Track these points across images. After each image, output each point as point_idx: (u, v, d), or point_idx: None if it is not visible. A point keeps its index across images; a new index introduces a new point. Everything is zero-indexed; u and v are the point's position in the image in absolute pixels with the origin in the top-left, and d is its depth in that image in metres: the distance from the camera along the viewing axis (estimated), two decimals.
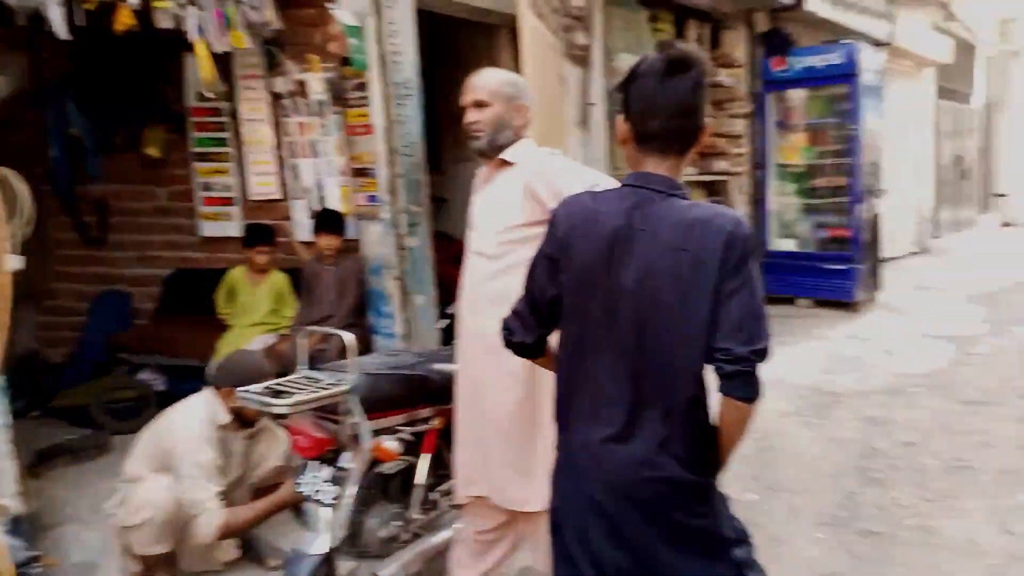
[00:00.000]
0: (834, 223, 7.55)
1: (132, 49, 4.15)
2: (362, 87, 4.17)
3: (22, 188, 2.80)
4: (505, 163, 2.48)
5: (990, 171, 14.74)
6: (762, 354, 1.50)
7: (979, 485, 3.67)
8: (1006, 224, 14.70)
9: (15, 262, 2.62)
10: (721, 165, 7.59)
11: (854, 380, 5.31)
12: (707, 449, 1.60)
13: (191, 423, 2.78)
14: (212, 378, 2.96)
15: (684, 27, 7.18)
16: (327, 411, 2.45)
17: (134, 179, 5.06)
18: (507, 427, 2.34)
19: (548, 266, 1.70)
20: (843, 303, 7.25)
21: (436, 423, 2.69)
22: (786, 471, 3.85)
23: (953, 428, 4.39)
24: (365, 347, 4.11)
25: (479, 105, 2.47)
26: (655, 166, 1.60)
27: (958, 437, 4.26)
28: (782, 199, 7.99)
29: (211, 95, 4.35)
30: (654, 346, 1.55)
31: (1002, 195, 14.90)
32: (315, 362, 2.81)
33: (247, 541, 3.01)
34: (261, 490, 2.95)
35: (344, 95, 4.29)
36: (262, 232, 4.37)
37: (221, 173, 4.69)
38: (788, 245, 7.82)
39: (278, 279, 4.40)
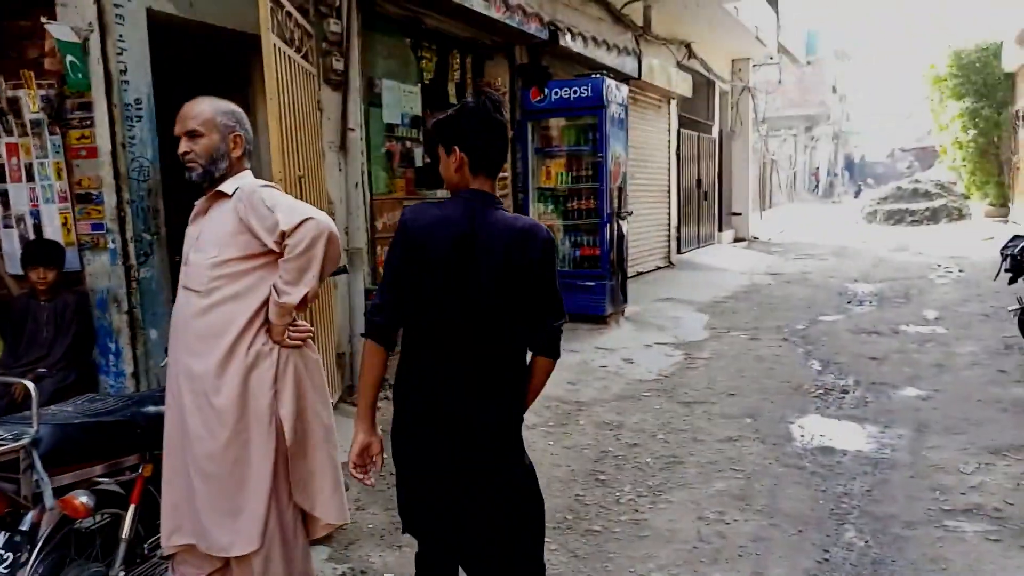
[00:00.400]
0: (586, 243, 8.14)
1: None
2: (87, 106, 3.92)
3: None
4: (221, 195, 2.45)
5: (726, 193, 16.61)
6: (563, 324, 2.16)
7: (685, 477, 4.14)
8: (739, 240, 16.66)
9: None
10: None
11: (596, 389, 5.76)
12: (523, 395, 2.20)
13: None
14: None
15: (449, 56, 7.42)
16: (3, 469, 2.21)
17: None
18: (213, 469, 2.29)
19: (402, 263, 2.09)
20: (595, 317, 7.80)
21: (144, 471, 2.54)
22: None
23: (672, 427, 4.92)
24: (90, 388, 3.81)
25: (192, 135, 2.44)
26: (481, 184, 2.14)
27: (674, 435, 4.78)
28: (542, 221, 8.46)
29: None
30: (495, 323, 2.08)
31: (736, 214, 16.88)
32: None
33: None
34: None
35: (65, 115, 4.01)
36: None
37: None
38: None
39: None
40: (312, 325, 4.51)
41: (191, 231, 2.52)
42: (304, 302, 2.37)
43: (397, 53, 6.73)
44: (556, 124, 8.48)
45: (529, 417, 5.01)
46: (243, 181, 2.47)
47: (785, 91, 30.21)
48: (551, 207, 8.47)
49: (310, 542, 2.56)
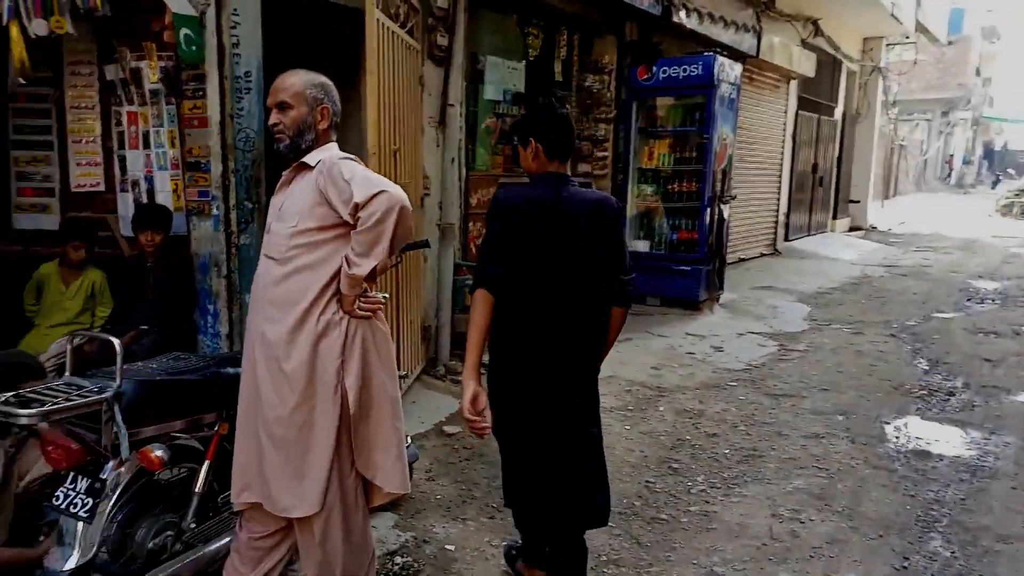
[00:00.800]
0: (684, 226, 7.93)
1: None
2: (200, 78, 4.08)
3: None
4: (305, 167, 2.48)
5: (845, 179, 15.76)
6: (632, 279, 2.58)
7: (763, 472, 4.01)
8: (855, 229, 15.80)
9: None
10: (585, 168, 7.88)
11: (680, 376, 5.64)
12: (602, 342, 2.61)
13: None
14: None
15: (556, 33, 7.34)
16: (87, 420, 2.37)
17: None
18: (281, 433, 2.34)
19: (502, 229, 2.52)
20: (688, 302, 7.61)
21: (220, 428, 2.65)
22: None
23: (755, 419, 4.76)
24: (189, 347, 4.03)
25: (283, 107, 2.47)
26: (556, 168, 2.59)
27: (757, 428, 4.62)
28: (640, 202, 8.32)
29: (22, 81, 4.11)
30: (579, 278, 2.49)
31: (855, 201, 16.00)
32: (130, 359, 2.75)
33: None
34: (27, 498, 2.75)
35: (181, 86, 4.21)
36: (78, 226, 4.22)
37: (41, 163, 4.52)
38: (643, 246, 8.13)
39: (94, 276, 4.23)
40: (400, 298, 4.64)
41: (275, 200, 2.56)
42: (373, 274, 2.38)
43: (503, 29, 6.72)
44: (663, 103, 8.24)
45: (608, 400, 5.02)
46: (327, 153, 2.49)
47: (921, 72, 28.13)
48: (651, 188, 8.28)
49: (371, 509, 2.62)
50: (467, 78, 6.00)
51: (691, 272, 7.62)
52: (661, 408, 4.96)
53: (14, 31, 3.61)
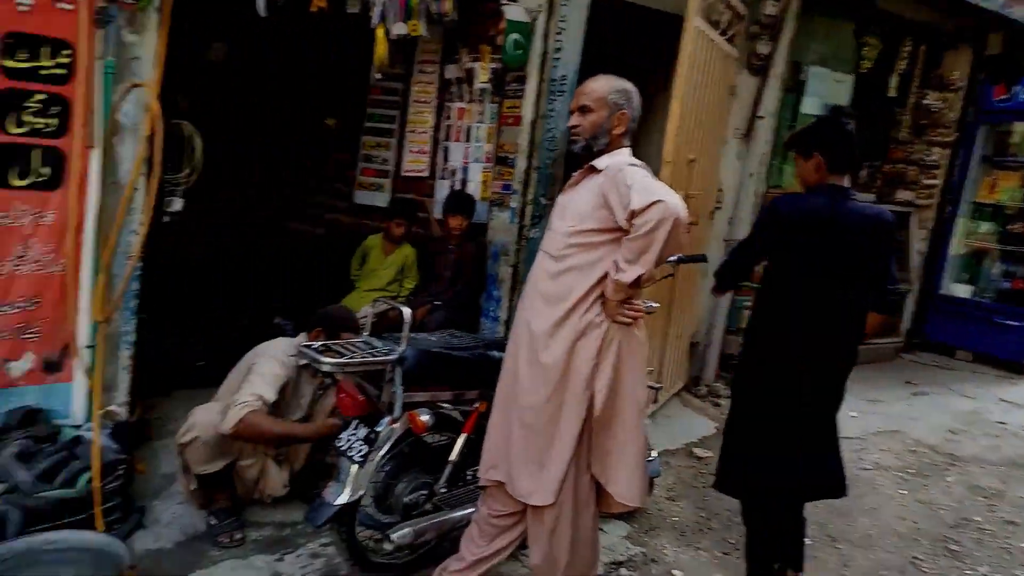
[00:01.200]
0: (1022, 275, 6.82)
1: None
2: (522, 80, 4.34)
3: (198, 140, 3.32)
4: (594, 170, 2.53)
5: None
6: (896, 288, 2.77)
7: None
8: None
9: (178, 204, 3.20)
10: (906, 195, 7.09)
11: (981, 447, 4.91)
12: (860, 342, 2.78)
13: (275, 349, 3.02)
14: (308, 322, 3.15)
15: (898, 43, 6.66)
16: (373, 376, 2.68)
17: None
18: (531, 421, 2.46)
19: (763, 237, 2.79)
20: (1010, 364, 6.58)
21: (479, 406, 2.87)
22: (856, 523, 3.73)
23: None
24: (472, 327, 4.35)
25: (584, 110, 2.55)
26: (837, 180, 2.69)
27: None
28: (969, 241, 7.30)
29: (379, 76, 4.69)
30: (845, 285, 2.63)
31: None
32: (422, 331, 3.08)
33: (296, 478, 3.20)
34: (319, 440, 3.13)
35: (504, 86, 4.50)
36: (403, 205, 4.81)
37: (383, 148, 5.21)
38: (962, 291, 7.14)
39: (407, 251, 4.79)
40: (671, 311, 4.61)
41: (561, 199, 2.66)
42: (638, 282, 2.39)
43: (835, 37, 6.25)
44: (1020, 129, 7.17)
45: (886, 458, 4.57)
46: (616, 159, 2.52)
47: None
48: (987, 226, 7.22)
49: (604, 515, 2.66)
50: (784, 89, 5.70)
51: (1021, 329, 6.56)
52: (949, 478, 4.38)
53: (379, 32, 4.13)
